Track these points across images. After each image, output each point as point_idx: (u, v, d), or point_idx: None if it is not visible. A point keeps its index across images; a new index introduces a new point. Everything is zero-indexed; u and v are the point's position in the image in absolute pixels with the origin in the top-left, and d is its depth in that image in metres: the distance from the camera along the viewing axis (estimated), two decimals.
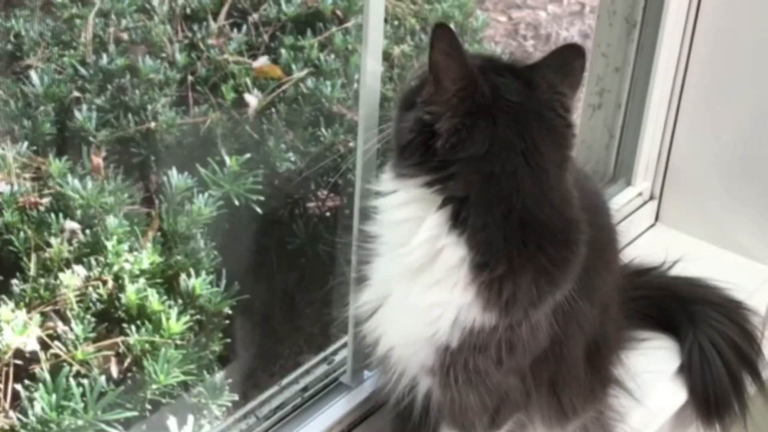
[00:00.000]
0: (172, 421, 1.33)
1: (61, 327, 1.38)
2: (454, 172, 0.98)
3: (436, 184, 0.99)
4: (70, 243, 1.48)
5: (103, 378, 1.32)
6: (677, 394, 1.46)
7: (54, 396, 1.27)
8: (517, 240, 0.99)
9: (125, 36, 1.81)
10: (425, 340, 1.05)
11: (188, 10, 1.87)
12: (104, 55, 1.75)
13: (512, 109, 0.99)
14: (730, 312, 1.47)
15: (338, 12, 1.94)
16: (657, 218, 1.79)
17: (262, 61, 1.85)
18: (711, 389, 1.43)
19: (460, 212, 0.99)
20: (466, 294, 1.01)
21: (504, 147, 0.98)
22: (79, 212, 1.53)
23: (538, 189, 0.99)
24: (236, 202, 1.61)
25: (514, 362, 1.07)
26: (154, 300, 1.42)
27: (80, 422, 1.27)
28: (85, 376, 1.34)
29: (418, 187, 1.00)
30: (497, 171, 0.98)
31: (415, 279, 1.03)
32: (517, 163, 0.99)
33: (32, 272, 1.44)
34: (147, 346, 1.39)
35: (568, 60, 1.05)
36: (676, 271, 1.54)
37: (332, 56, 1.84)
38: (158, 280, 1.48)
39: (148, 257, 1.48)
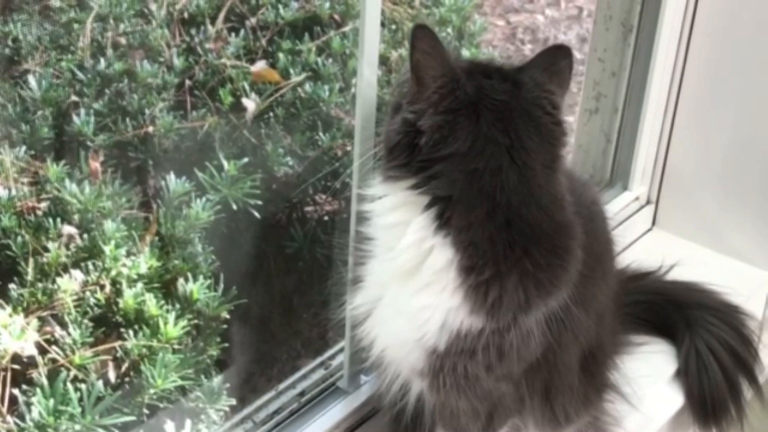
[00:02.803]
0: (169, 426, 1.33)
1: (58, 331, 1.38)
2: (438, 170, 0.99)
3: (421, 186, 1.00)
4: (67, 247, 1.48)
5: (100, 382, 1.32)
6: (674, 399, 1.46)
7: (51, 401, 1.27)
8: (503, 241, 0.99)
9: (123, 40, 1.80)
10: (415, 343, 1.05)
11: (186, 15, 1.87)
12: (102, 60, 1.75)
13: (497, 106, 0.99)
14: (726, 316, 1.47)
15: (336, 16, 1.94)
16: (654, 223, 1.79)
17: (260, 66, 1.85)
18: (708, 393, 1.43)
19: (444, 212, 0.99)
20: (455, 297, 1.01)
21: (487, 143, 0.98)
22: (76, 217, 1.53)
23: (525, 187, 0.99)
24: (234, 207, 1.61)
25: (505, 369, 1.07)
26: (152, 304, 1.43)
27: (78, 427, 1.27)
28: (82, 380, 1.34)
29: (405, 190, 1.01)
30: (480, 167, 0.98)
31: (405, 282, 1.03)
32: (502, 160, 0.98)
33: (30, 277, 1.44)
34: (144, 350, 1.39)
35: (554, 60, 1.05)
36: (672, 276, 1.54)
37: (330, 60, 1.84)
38: (156, 285, 1.48)
39: (145, 261, 1.48)
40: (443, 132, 0.98)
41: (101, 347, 1.39)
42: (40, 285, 1.43)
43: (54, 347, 1.36)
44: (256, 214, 1.62)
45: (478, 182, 0.98)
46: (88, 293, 1.43)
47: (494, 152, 0.98)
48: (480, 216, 0.98)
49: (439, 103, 0.99)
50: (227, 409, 1.40)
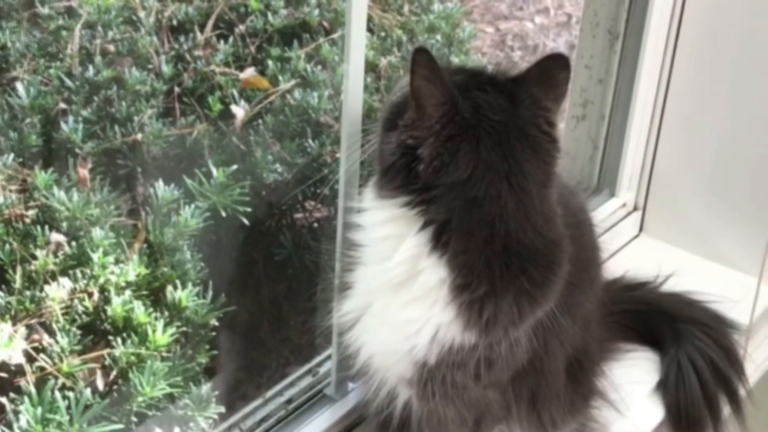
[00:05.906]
0: None
1: (46, 339, 1.38)
2: (436, 195, 0.98)
3: (417, 206, 1.00)
4: (55, 255, 1.48)
5: (88, 390, 1.31)
6: (657, 409, 1.46)
7: (39, 409, 1.26)
8: (500, 263, 0.99)
9: (112, 47, 1.80)
10: (403, 353, 1.06)
11: (175, 22, 1.87)
12: (90, 67, 1.74)
13: (495, 129, 0.99)
14: (713, 331, 1.46)
15: (325, 23, 1.95)
16: (641, 229, 1.80)
17: (249, 73, 1.85)
18: (683, 407, 1.42)
19: (441, 235, 0.99)
20: (447, 312, 1.02)
21: (487, 171, 0.98)
22: (64, 224, 1.52)
23: (522, 212, 0.99)
24: (223, 214, 1.60)
25: (492, 377, 1.08)
26: (140, 312, 1.42)
27: None
28: (70, 388, 1.33)
29: (400, 207, 1.01)
30: (480, 195, 0.98)
31: (395, 294, 1.03)
32: (501, 187, 0.98)
33: (18, 285, 1.43)
34: (133, 358, 1.38)
35: (552, 72, 1.04)
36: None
37: (319, 67, 1.85)
38: (144, 292, 1.47)
39: (134, 269, 1.48)
40: (443, 160, 0.98)
41: (89, 355, 1.39)
42: (27, 293, 1.43)
43: (42, 355, 1.36)
44: (245, 221, 1.62)
45: (477, 210, 0.98)
46: (76, 301, 1.43)
47: (493, 180, 0.98)
48: (478, 242, 0.99)
49: (440, 132, 0.98)
50: (216, 416, 1.39)
